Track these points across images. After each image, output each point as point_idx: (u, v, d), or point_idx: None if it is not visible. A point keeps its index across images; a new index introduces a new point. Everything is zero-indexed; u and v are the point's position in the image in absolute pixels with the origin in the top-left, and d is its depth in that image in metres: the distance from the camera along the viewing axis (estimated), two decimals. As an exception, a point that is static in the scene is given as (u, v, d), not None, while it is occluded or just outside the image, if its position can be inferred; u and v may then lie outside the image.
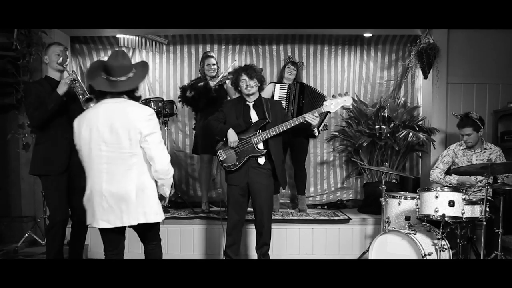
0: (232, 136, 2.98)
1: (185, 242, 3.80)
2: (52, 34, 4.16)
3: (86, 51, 4.88)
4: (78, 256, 3.05)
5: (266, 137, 2.97)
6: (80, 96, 2.90)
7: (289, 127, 2.98)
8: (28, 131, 3.95)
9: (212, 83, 4.01)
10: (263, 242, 3.05)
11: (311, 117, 2.94)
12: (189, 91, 4.01)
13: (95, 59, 4.88)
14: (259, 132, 2.99)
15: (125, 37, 4.66)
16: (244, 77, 3.01)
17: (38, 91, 2.84)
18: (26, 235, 3.81)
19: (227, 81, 4.20)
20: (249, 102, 3.09)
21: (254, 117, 3.07)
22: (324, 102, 3.04)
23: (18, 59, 3.90)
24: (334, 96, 3.06)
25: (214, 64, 4.18)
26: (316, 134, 3.01)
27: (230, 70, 4.20)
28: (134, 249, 3.87)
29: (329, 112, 3.17)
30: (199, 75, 4.34)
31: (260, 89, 3.12)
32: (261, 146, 3.01)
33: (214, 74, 4.14)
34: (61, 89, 2.83)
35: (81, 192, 2.92)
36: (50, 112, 2.79)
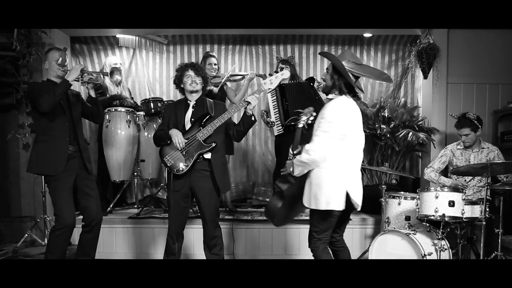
0: (176, 134, 2.80)
1: (185, 242, 3.79)
2: (52, 34, 4.16)
3: (86, 51, 4.88)
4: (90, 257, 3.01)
5: (212, 130, 2.80)
6: (88, 87, 2.94)
7: (233, 113, 2.83)
8: (28, 131, 3.94)
9: (215, 89, 4.02)
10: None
11: (251, 97, 2.79)
12: None
13: (95, 59, 4.90)
14: (203, 127, 2.83)
15: (125, 37, 4.66)
16: (191, 72, 2.88)
17: (41, 86, 2.85)
18: (26, 235, 3.81)
19: (228, 83, 4.22)
20: (190, 101, 2.94)
21: (188, 116, 2.90)
22: (263, 81, 2.88)
23: (18, 59, 3.91)
24: (270, 74, 2.98)
25: (215, 64, 4.18)
26: (252, 119, 2.85)
27: (231, 73, 4.20)
28: (133, 249, 3.89)
29: (270, 89, 2.88)
30: None
31: (204, 89, 3.00)
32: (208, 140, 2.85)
33: (214, 74, 4.14)
34: (72, 76, 2.78)
35: (86, 192, 2.93)
36: (59, 97, 2.72)
